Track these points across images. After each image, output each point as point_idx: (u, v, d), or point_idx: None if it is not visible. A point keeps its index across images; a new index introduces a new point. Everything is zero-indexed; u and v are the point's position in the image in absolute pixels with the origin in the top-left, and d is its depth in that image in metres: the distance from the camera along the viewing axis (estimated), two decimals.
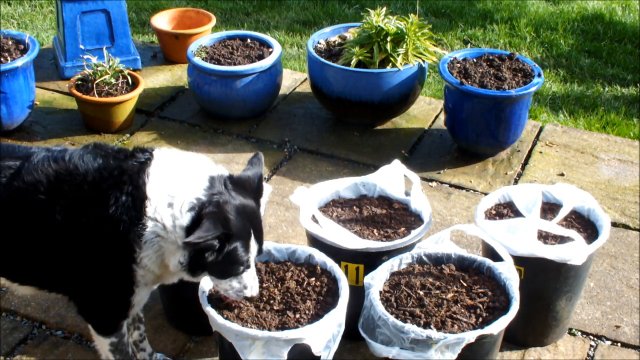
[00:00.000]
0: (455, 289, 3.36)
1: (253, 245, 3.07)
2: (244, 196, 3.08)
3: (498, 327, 3.12)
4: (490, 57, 5.33)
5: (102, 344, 3.36)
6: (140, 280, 3.14)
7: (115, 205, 2.98)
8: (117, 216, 2.98)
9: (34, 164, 3.11)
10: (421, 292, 3.33)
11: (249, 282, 3.14)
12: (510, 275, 3.35)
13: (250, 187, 3.14)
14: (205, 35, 5.93)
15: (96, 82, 5.32)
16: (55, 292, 3.32)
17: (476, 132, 5.12)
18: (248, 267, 3.10)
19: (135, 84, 5.47)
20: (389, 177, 3.99)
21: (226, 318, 3.17)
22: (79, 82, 5.42)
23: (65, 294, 3.29)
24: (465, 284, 3.38)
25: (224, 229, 2.94)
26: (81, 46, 5.88)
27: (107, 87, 5.35)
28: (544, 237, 3.70)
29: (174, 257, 3.02)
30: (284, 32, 7.07)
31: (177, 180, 3.01)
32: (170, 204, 2.97)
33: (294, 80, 6.19)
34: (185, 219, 2.95)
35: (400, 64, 5.23)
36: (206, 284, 3.28)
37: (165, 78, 6.17)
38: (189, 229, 2.93)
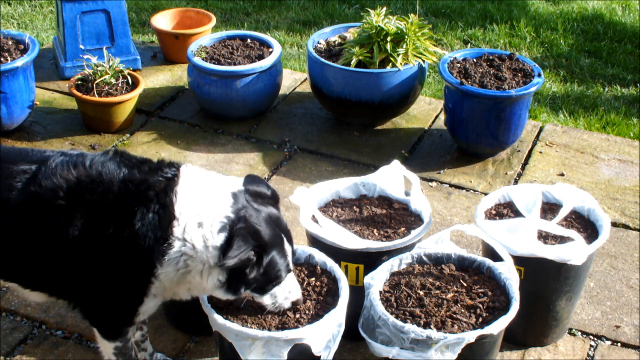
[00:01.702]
0: (455, 289, 3.36)
1: (288, 248, 3.10)
2: (265, 205, 3.12)
3: (498, 327, 3.12)
4: (490, 57, 5.33)
5: (107, 347, 3.35)
6: (151, 291, 3.13)
7: (142, 222, 2.95)
8: (142, 233, 2.96)
9: (52, 169, 3.07)
10: (421, 292, 3.33)
11: (292, 286, 3.17)
12: (510, 275, 3.35)
13: (266, 196, 3.18)
14: (205, 35, 5.93)
15: (96, 82, 5.32)
16: (64, 298, 3.29)
17: (476, 132, 5.12)
18: (289, 271, 3.12)
19: (135, 84, 5.47)
20: (389, 177, 3.99)
21: (226, 318, 3.17)
22: (79, 82, 5.42)
23: (73, 300, 3.26)
24: (465, 284, 3.38)
25: (256, 241, 2.96)
26: (81, 46, 5.88)
27: (107, 87, 5.35)
28: (544, 237, 3.70)
29: (210, 277, 3.02)
30: (284, 32, 7.07)
31: (204, 200, 3.01)
32: (200, 223, 2.97)
33: (294, 80, 6.19)
34: (218, 239, 2.95)
35: (400, 64, 5.23)
36: None
37: (165, 78, 6.17)
38: (224, 249, 2.94)
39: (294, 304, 3.20)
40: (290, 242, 3.14)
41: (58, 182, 3.03)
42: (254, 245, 2.95)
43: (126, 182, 3.02)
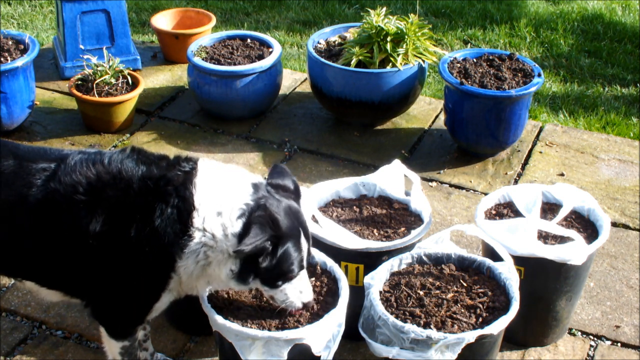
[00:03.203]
0: (455, 289, 3.36)
1: (304, 244, 3.09)
2: (287, 198, 3.14)
3: (498, 327, 3.12)
4: (490, 57, 5.33)
5: (113, 347, 3.35)
6: (169, 286, 3.14)
7: (161, 217, 2.98)
8: (162, 229, 2.97)
9: (71, 166, 3.09)
10: (421, 292, 3.33)
11: (304, 286, 3.15)
12: (510, 275, 3.35)
13: (289, 189, 3.21)
14: (205, 35, 5.93)
15: (96, 82, 5.32)
16: (78, 296, 3.29)
17: (476, 132, 5.12)
18: (302, 267, 3.11)
19: (135, 84, 5.47)
20: (389, 177, 3.99)
21: (226, 318, 3.17)
22: (79, 82, 5.42)
23: (87, 298, 3.26)
24: (465, 284, 3.38)
25: (273, 230, 2.96)
26: (81, 46, 5.88)
27: (107, 87, 5.35)
28: (544, 237, 3.70)
29: (224, 267, 3.03)
30: (284, 32, 7.07)
31: (224, 190, 3.03)
32: (219, 212, 2.98)
33: (294, 80, 6.19)
34: (237, 226, 2.97)
35: (400, 64, 5.23)
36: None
37: (165, 78, 6.17)
38: (241, 236, 2.95)
39: (305, 305, 3.17)
40: (308, 239, 3.14)
41: (77, 178, 3.06)
42: (270, 235, 2.95)
43: (145, 179, 3.04)
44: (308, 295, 3.17)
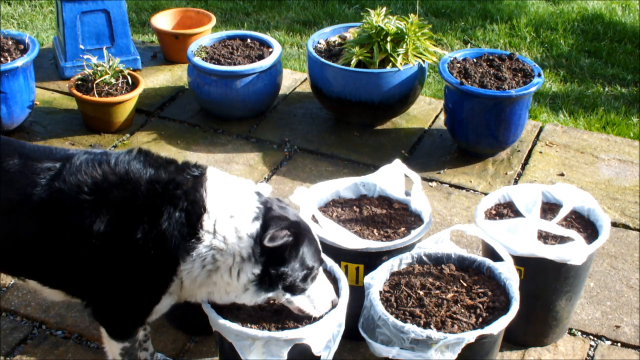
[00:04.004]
0: (455, 289, 3.36)
1: (317, 238, 3.15)
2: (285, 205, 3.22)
3: (498, 327, 3.12)
4: (490, 57, 5.33)
5: (114, 348, 3.35)
6: (170, 289, 3.14)
7: (168, 221, 2.98)
8: (169, 233, 2.98)
9: (77, 166, 3.09)
10: (421, 292, 3.33)
11: (327, 284, 3.19)
12: (510, 275, 3.35)
13: (281, 200, 3.27)
14: (205, 35, 5.93)
15: (96, 82, 5.32)
16: (79, 296, 3.29)
17: (476, 132, 5.12)
18: (322, 261, 3.17)
19: (135, 84, 5.47)
20: (389, 177, 3.99)
21: (226, 318, 3.17)
22: (79, 82, 5.42)
23: (88, 298, 3.26)
24: (465, 284, 3.38)
25: (291, 224, 3.03)
26: (81, 46, 5.88)
27: (107, 87, 5.36)
28: (544, 237, 3.70)
29: (243, 273, 3.04)
30: (284, 32, 7.07)
31: (234, 195, 3.07)
32: (232, 215, 3.01)
33: (294, 80, 6.19)
34: (253, 228, 3.00)
35: (400, 64, 5.23)
36: None
37: (165, 78, 6.17)
38: (260, 235, 2.99)
39: (333, 303, 3.20)
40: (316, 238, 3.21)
41: (83, 178, 3.06)
42: (289, 225, 3.01)
43: (153, 182, 3.05)
44: (332, 293, 3.21)
